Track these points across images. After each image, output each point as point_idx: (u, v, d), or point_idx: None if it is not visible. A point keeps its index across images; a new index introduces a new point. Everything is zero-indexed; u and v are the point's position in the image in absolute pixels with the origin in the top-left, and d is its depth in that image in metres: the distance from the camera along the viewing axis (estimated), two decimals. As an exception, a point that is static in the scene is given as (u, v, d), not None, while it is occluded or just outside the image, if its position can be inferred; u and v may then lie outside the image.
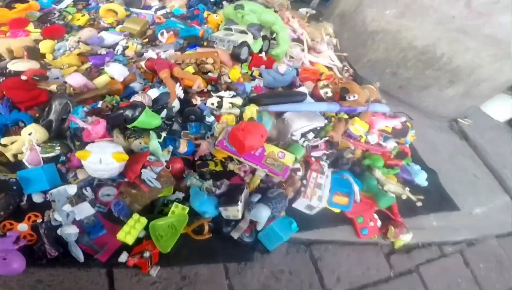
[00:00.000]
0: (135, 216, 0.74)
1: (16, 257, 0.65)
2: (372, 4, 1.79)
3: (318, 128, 1.08)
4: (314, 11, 2.24)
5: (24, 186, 0.74)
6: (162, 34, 1.31)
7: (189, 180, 0.87)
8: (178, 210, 0.78)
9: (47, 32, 1.25)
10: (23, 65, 0.98)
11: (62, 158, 0.84)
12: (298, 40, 1.68)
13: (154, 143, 0.84)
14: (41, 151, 0.80)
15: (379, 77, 1.67)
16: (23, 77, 0.92)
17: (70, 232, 0.68)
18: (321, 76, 1.38)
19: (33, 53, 1.13)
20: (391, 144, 1.18)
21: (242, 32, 1.31)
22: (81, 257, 0.68)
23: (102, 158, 0.74)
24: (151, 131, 0.86)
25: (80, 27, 1.38)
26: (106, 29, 1.37)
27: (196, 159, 0.96)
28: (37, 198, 0.75)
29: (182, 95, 1.02)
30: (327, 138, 1.06)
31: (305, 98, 1.14)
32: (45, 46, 1.17)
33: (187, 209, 0.79)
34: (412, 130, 1.26)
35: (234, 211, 0.80)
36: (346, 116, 1.18)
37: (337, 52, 1.81)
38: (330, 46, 1.77)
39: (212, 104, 1.01)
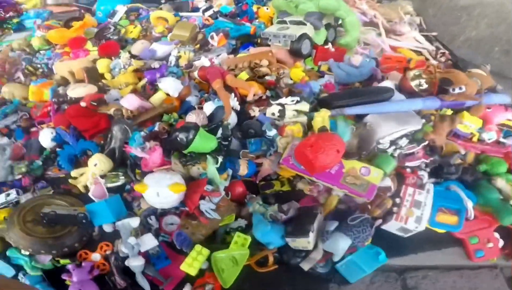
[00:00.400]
0: (198, 247, 0.72)
1: (90, 287, 0.71)
2: None
3: (413, 132, 0.88)
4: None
5: (92, 219, 0.79)
6: (212, 37, 1.25)
7: (251, 207, 0.79)
8: (240, 240, 0.74)
9: (103, 50, 1.28)
10: (81, 91, 1.00)
11: (127, 186, 0.87)
12: (372, 25, 1.47)
13: (211, 169, 0.78)
14: (106, 181, 0.84)
15: (486, 58, 1.38)
16: (82, 104, 0.94)
17: (136, 264, 0.71)
18: (409, 63, 1.16)
19: (92, 74, 1.16)
20: None
21: (299, 23, 1.18)
22: (147, 288, 0.71)
23: (159, 191, 0.73)
24: (207, 156, 0.79)
25: (134, 40, 1.41)
26: (158, 38, 1.37)
27: (259, 180, 0.87)
28: (108, 228, 0.80)
29: (238, 107, 0.94)
30: (426, 142, 0.86)
31: (391, 94, 0.94)
32: (102, 65, 1.20)
33: (249, 239, 0.73)
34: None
35: (304, 243, 0.70)
36: (450, 112, 0.95)
37: (424, 32, 1.54)
38: (413, 26, 1.52)
39: (273, 114, 0.90)
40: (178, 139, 0.79)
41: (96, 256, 0.75)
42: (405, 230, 0.76)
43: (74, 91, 1.01)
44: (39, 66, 1.31)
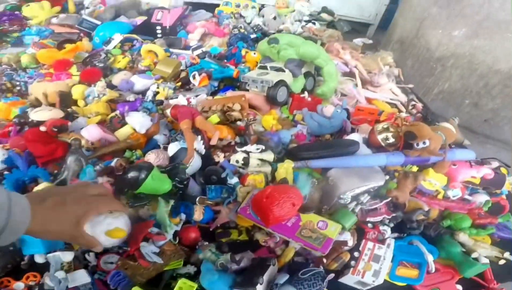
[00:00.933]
0: (136, 289, 0.66)
1: None
2: (434, 25, 1.60)
3: (376, 187, 0.85)
4: (371, 41, 2.05)
5: (22, 246, 0.72)
6: (194, 76, 1.23)
7: (201, 254, 0.74)
8: (186, 287, 0.67)
9: (84, 76, 1.25)
10: (45, 114, 0.95)
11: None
12: (351, 75, 1.49)
13: (161, 212, 0.73)
14: None
15: (457, 111, 1.45)
16: (42, 128, 0.88)
17: None
18: (380, 116, 1.15)
19: (65, 99, 1.12)
20: (481, 198, 0.91)
21: (279, 70, 1.16)
22: None
23: (95, 235, 0.65)
24: (159, 198, 0.74)
25: (120, 70, 1.39)
26: (143, 72, 1.35)
27: (214, 228, 0.81)
28: (39, 259, 0.73)
29: (203, 151, 0.90)
30: (389, 199, 0.83)
31: (356, 148, 0.92)
32: (77, 91, 1.16)
33: (195, 287, 0.67)
34: (510, 176, 0.97)
35: None
36: (415, 169, 0.94)
37: (401, 84, 1.56)
38: (391, 77, 1.54)
39: (237, 161, 0.86)
40: (129, 177, 0.74)
41: (19, 285, 0.69)
42: (363, 284, 0.73)
43: (37, 114, 0.96)
44: (17, 83, 1.27)
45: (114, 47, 1.58)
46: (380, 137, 0.97)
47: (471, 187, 0.95)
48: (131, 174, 0.73)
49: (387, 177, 0.89)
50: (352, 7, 2.62)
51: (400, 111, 1.34)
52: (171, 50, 1.56)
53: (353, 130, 1.07)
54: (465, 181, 0.94)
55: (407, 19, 1.90)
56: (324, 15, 2.23)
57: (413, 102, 1.41)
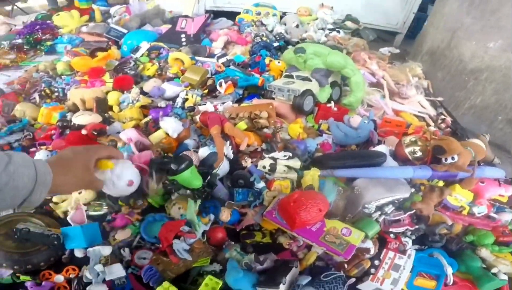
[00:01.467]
0: (166, 284, 0.72)
1: None
2: (468, 36, 1.59)
3: (401, 199, 0.91)
4: (398, 50, 2.10)
5: (65, 241, 0.81)
6: (220, 84, 1.33)
7: (228, 253, 0.82)
8: (211, 284, 0.74)
9: (117, 83, 1.38)
10: (86, 119, 1.08)
11: (109, 217, 0.90)
12: (379, 86, 1.55)
13: (190, 211, 0.81)
14: (89, 209, 0.89)
15: (489, 127, 1.43)
16: (83, 132, 1.01)
17: None
18: (408, 128, 1.20)
19: (102, 104, 1.25)
20: (507, 217, 0.94)
21: (305, 79, 1.25)
22: None
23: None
24: (189, 199, 0.83)
25: (149, 77, 1.52)
26: (171, 79, 1.47)
27: (240, 229, 0.89)
28: (78, 253, 0.81)
29: (231, 156, 0.99)
30: (413, 211, 0.88)
31: (383, 160, 0.98)
32: (112, 98, 1.30)
33: (220, 284, 0.73)
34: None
35: None
36: (441, 183, 0.98)
37: (430, 97, 1.61)
38: (419, 89, 1.58)
39: (264, 167, 0.94)
40: (171, 164, 0.84)
41: (59, 278, 0.76)
42: None
43: (79, 118, 1.09)
44: (56, 90, 1.41)
45: (142, 55, 1.73)
46: (407, 150, 1.02)
47: (498, 205, 0.97)
48: (173, 165, 0.84)
49: (413, 189, 0.94)
50: (378, 14, 2.58)
51: (428, 124, 1.38)
52: (196, 58, 1.69)
53: (379, 142, 1.13)
54: (492, 199, 0.97)
55: (438, 29, 1.89)
56: (349, 23, 2.30)
57: (442, 116, 1.45)
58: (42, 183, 0.55)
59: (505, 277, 0.81)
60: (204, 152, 0.98)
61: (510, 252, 0.88)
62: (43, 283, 0.75)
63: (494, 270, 0.83)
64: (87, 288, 0.72)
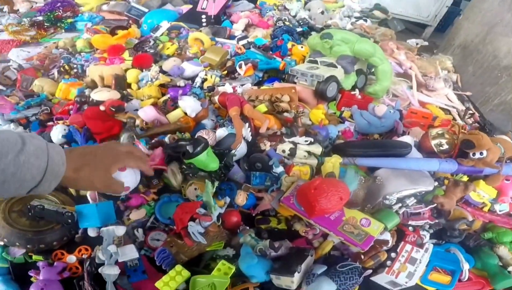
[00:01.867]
0: (178, 267, 0.72)
1: (55, 287, 0.71)
2: (507, 32, 1.53)
3: (423, 192, 0.88)
4: (426, 43, 2.02)
5: (79, 219, 0.80)
6: (240, 66, 1.31)
7: (242, 238, 0.80)
8: (224, 268, 0.73)
9: (137, 61, 1.37)
10: (104, 95, 1.07)
11: (123, 196, 0.89)
12: (406, 76, 1.49)
13: (207, 193, 0.79)
14: None
15: None
16: (102, 108, 1.00)
17: (110, 273, 0.70)
18: (434, 121, 1.16)
19: (120, 81, 1.24)
20: None
21: (330, 65, 1.20)
22: None
23: None
24: (206, 180, 0.81)
25: (168, 56, 1.50)
26: (190, 59, 1.45)
27: (256, 213, 0.87)
28: (92, 232, 0.80)
29: (250, 138, 0.96)
30: (434, 205, 0.85)
31: (408, 151, 0.94)
32: (131, 75, 1.28)
33: (233, 269, 0.72)
34: None
35: (287, 282, 0.70)
36: (466, 178, 0.94)
37: (458, 91, 1.55)
38: (448, 83, 1.52)
39: (283, 151, 0.91)
40: (187, 147, 0.83)
41: (71, 258, 0.76)
42: (394, 284, 0.77)
43: (98, 94, 1.08)
44: (74, 66, 1.41)
45: (162, 34, 1.71)
46: (433, 143, 0.99)
47: None
48: (189, 147, 0.82)
49: (436, 183, 0.91)
50: (408, 5, 2.57)
51: (454, 118, 1.33)
52: (216, 39, 1.66)
53: (403, 133, 1.09)
54: None
55: (474, 23, 1.85)
56: (377, 13, 2.22)
57: (470, 111, 1.41)
58: (53, 174, 0.52)
59: None
60: (221, 133, 0.96)
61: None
62: (55, 263, 0.74)
63: (510, 269, 0.82)
64: (99, 269, 0.70)
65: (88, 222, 0.79)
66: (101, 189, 0.72)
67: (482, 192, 0.90)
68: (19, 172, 0.46)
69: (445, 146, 0.98)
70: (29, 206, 0.75)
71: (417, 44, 1.94)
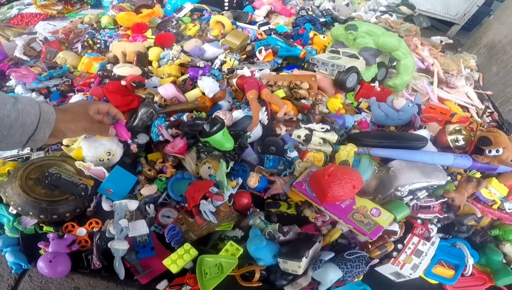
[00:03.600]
0: (187, 246, 0.72)
1: (63, 260, 0.70)
2: None
3: (435, 186, 0.87)
4: (451, 41, 1.97)
5: (108, 182, 0.81)
6: (260, 51, 1.29)
7: (252, 220, 0.80)
8: (232, 249, 0.73)
9: (159, 40, 1.37)
10: (126, 70, 1.08)
11: (139, 168, 0.91)
12: (427, 72, 1.46)
13: (221, 173, 0.80)
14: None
15: None
16: (123, 82, 1.01)
17: (119, 247, 0.70)
18: (452, 117, 1.13)
19: (142, 59, 1.25)
20: None
21: (352, 56, 1.18)
22: (122, 275, 0.69)
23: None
24: (221, 160, 0.82)
25: (190, 37, 1.50)
26: (211, 41, 1.44)
27: (267, 197, 0.87)
28: (105, 206, 0.81)
29: (266, 121, 0.96)
30: (445, 199, 0.84)
31: (424, 144, 0.93)
32: (153, 53, 1.29)
33: (241, 250, 0.72)
34: None
35: (294, 266, 0.70)
36: (478, 175, 0.93)
37: (479, 90, 1.50)
38: (469, 81, 1.47)
39: (299, 136, 0.91)
40: (201, 126, 0.84)
41: (81, 231, 0.76)
42: (398, 275, 0.77)
43: (120, 69, 1.09)
44: (98, 41, 1.43)
45: (185, 15, 1.71)
46: (450, 138, 0.98)
47: None
48: (205, 126, 0.83)
49: (449, 177, 0.90)
50: (437, 3, 2.52)
51: (472, 116, 1.30)
52: (237, 23, 1.65)
53: (420, 127, 1.07)
54: None
55: (505, 24, 1.80)
56: (404, 8, 2.16)
57: (489, 110, 1.37)
58: (46, 121, 0.58)
59: None
60: (238, 114, 0.96)
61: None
62: (65, 235, 0.74)
63: None
64: (109, 244, 0.70)
65: (109, 184, 0.80)
66: (88, 131, 0.75)
67: (494, 190, 0.89)
68: (20, 117, 0.53)
69: (461, 142, 0.97)
70: (46, 173, 0.76)
71: (441, 41, 1.88)
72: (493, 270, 0.80)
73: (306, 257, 0.69)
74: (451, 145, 0.97)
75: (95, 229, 0.76)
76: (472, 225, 0.86)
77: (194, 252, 0.71)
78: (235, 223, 0.81)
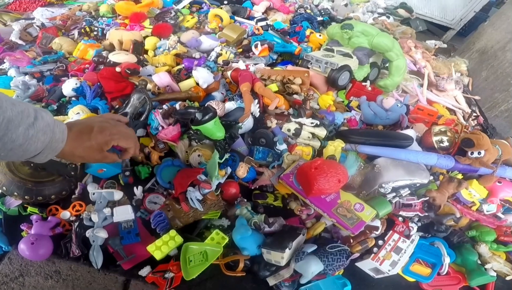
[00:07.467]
0: (172, 232, 0.72)
1: (45, 243, 0.68)
2: None
3: (418, 185, 0.88)
4: (445, 45, 1.98)
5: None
6: (256, 46, 1.29)
7: (239, 210, 0.81)
8: (218, 238, 0.73)
9: (156, 30, 1.36)
10: (122, 57, 1.08)
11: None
12: (419, 74, 1.47)
13: (213, 161, 0.79)
14: None
15: None
16: (117, 69, 1.01)
17: (98, 236, 0.69)
18: (438, 119, 1.15)
19: (138, 47, 1.24)
20: None
21: (346, 55, 1.18)
22: (98, 264, 0.68)
23: None
24: (215, 150, 0.82)
25: (187, 29, 1.49)
26: (208, 34, 1.44)
27: (255, 187, 0.88)
28: (91, 189, 0.79)
29: (257, 114, 0.96)
30: (426, 198, 0.86)
31: (410, 143, 0.95)
32: (149, 42, 1.29)
33: (227, 239, 0.73)
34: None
35: (277, 257, 0.71)
36: (460, 176, 0.94)
37: (467, 94, 1.52)
38: (459, 85, 1.50)
39: (289, 130, 0.91)
40: (196, 115, 0.83)
41: (65, 214, 0.75)
42: (377, 271, 0.78)
43: (115, 56, 1.09)
44: (95, 29, 1.41)
45: (184, 7, 1.69)
46: (435, 139, 0.99)
47: (508, 206, 0.95)
48: (198, 114, 0.83)
49: (431, 177, 0.91)
50: (434, 7, 2.52)
51: (458, 119, 1.32)
52: (235, 17, 1.64)
53: (407, 127, 1.08)
54: (504, 199, 0.94)
55: (498, 30, 1.80)
56: (401, 11, 2.17)
57: (475, 114, 1.40)
58: (51, 149, 0.53)
59: (495, 274, 0.82)
60: (230, 105, 0.96)
61: (505, 252, 0.89)
62: (49, 218, 0.73)
63: (487, 266, 0.84)
64: (86, 232, 0.70)
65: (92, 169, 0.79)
66: (95, 162, 0.72)
67: (474, 191, 0.91)
68: (26, 144, 0.47)
69: (446, 143, 0.98)
70: None
71: (435, 45, 1.89)
72: (468, 270, 0.82)
73: (289, 249, 0.70)
74: (436, 146, 0.99)
75: (81, 215, 0.74)
76: (451, 225, 0.88)
77: (179, 239, 0.71)
78: (222, 212, 0.81)
